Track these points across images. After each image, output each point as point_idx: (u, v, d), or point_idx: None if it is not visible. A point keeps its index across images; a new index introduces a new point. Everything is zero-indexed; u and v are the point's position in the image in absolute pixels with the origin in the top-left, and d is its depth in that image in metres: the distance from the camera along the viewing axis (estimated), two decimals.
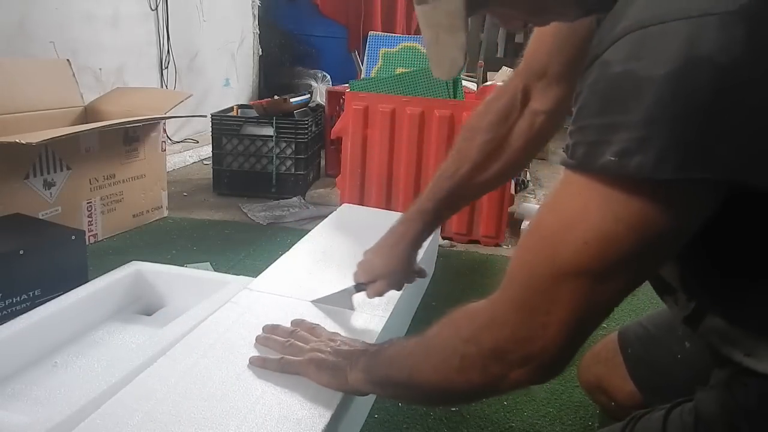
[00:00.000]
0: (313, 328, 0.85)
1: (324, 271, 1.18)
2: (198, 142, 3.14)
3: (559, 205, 0.50)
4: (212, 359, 0.83)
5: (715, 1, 0.41)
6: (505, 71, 3.46)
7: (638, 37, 0.42)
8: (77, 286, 1.16)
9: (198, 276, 1.29)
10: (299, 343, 0.80)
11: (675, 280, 0.63)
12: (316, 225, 1.48)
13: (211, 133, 2.46)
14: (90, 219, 1.79)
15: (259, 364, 0.80)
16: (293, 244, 1.32)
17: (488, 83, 2.31)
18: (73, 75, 1.98)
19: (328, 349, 0.77)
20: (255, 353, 0.84)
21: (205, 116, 2.49)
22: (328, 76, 3.93)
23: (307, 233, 1.41)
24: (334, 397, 0.75)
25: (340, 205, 1.79)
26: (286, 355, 0.79)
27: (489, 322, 0.54)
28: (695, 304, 0.61)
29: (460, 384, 0.57)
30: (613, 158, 0.44)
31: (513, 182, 2.14)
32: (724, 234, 0.53)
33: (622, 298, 0.51)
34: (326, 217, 1.56)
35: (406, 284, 0.96)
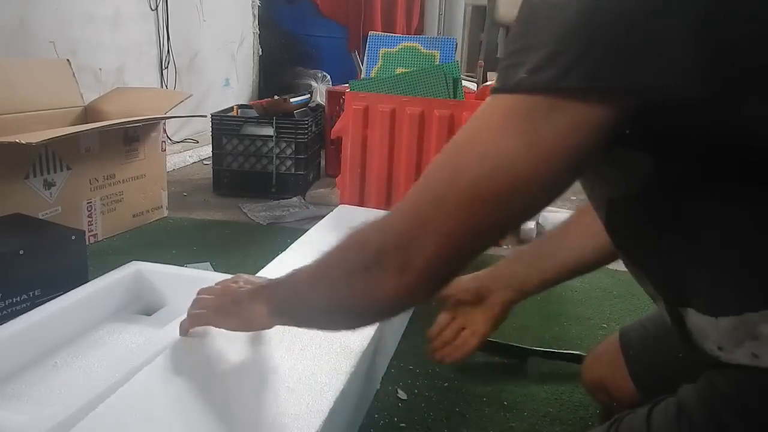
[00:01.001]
0: (227, 280, 0.85)
1: None
2: (198, 142, 3.14)
3: (470, 123, 0.51)
4: (210, 357, 0.83)
5: None
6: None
7: None
8: (77, 286, 1.16)
9: (198, 276, 1.29)
10: (205, 296, 0.83)
11: (648, 278, 0.64)
12: (315, 225, 1.48)
13: (211, 133, 2.46)
14: (90, 219, 1.79)
15: (180, 333, 0.86)
16: (293, 244, 1.33)
17: (488, 83, 2.31)
18: (73, 75, 1.98)
19: (231, 293, 0.79)
20: (252, 351, 0.84)
21: (205, 116, 2.49)
22: (328, 76, 3.93)
23: (305, 233, 1.41)
24: (330, 394, 0.75)
25: (340, 205, 1.79)
26: (195, 310, 0.83)
27: (380, 225, 0.54)
28: (669, 302, 0.62)
29: (346, 294, 0.57)
30: (524, 75, 0.46)
31: None
32: (676, 221, 0.55)
33: (519, 221, 0.52)
34: (324, 217, 1.56)
35: None
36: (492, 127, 0.48)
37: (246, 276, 0.84)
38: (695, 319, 0.59)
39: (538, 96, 0.46)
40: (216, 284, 0.84)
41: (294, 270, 0.66)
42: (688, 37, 0.43)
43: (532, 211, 0.51)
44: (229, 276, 0.86)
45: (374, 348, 0.96)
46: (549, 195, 0.50)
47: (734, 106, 0.46)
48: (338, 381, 0.79)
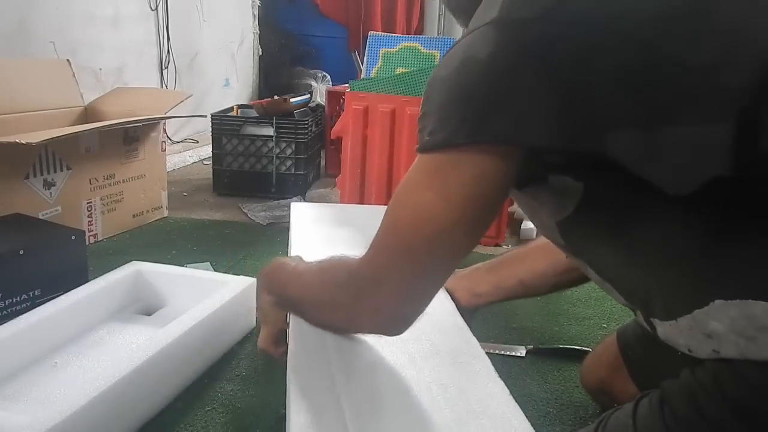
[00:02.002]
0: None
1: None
2: (198, 142, 3.14)
3: (404, 178, 0.61)
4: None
5: (483, 16, 0.56)
6: None
7: (447, 52, 0.59)
8: (77, 286, 1.16)
9: (198, 276, 1.29)
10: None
11: (617, 290, 0.67)
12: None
13: (211, 133, 2.46)
14: (90, 219, 1.79)
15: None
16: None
17: None
18: (73, 75, 1.98)
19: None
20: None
21: (205, 116, 2.49)
22: (328, 76, 3.93)
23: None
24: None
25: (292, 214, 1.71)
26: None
27: (354, 273, 0.64)
28: (641, 311, 0.64)
29: (330, 321, 0.73)
30: (427, 137, 0.57)
31: None
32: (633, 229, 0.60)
33: (454, 261, 0.61)
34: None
35: None
36: (415, 184, 0.59)
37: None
38: (661, 327, 0.61)
39: (440, 154, 0.57)
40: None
41: (285, 263, 0.81)
42: (540, 91, 0.52)
43: (463, 251, 0.60)
44: (245, 278, 0.99)
45: None
46: (472, 236, 0.60)
47: (595, 147, 0.53)
48: None
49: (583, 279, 0.90)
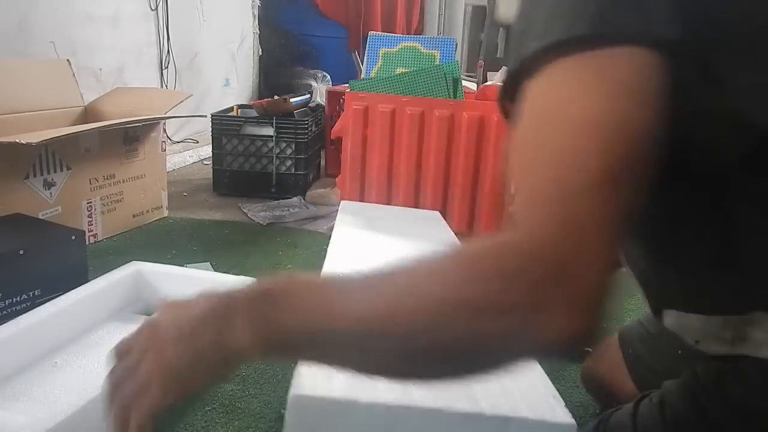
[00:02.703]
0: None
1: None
2: (198, 142, 3.14)
3: (535, 112, 0.45)
4: None
5: None
6: (505, 71, 3.46)
7: None
8: (77, 286, 1.16)
9: (198, 276, 1.29)
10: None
11: (633, 269, 0.65)
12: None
13: (211, 133, 2.46)
14: (90, 219, 1.79)
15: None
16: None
17: (488, 83, 2.31)
18: (73, 75, 1.98)
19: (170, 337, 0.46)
20: None
21: (205, 116, 2.49)
22: (328, 76, 3.93)
23: (322, 235, 1.40)
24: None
25: (340, 205, 1.78)
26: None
27: (517, 250, 0.40)
28: (652, 295, 0.63)
29: (470, 340, 0.40)
30: (585, 28, 0.43)
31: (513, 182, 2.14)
32: (666, 219, 0.54)
33: (647, 181, 0.43)
34: (325, 216, 1.54)
35: None
36: (577, 99, 0.42)
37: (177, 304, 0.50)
38: (674, 319, 0.60)
39: (585, 53, 0.43)
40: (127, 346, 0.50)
41: (323, 286, 0.45)
42: None
43: (651, 170, 0.43)
44: (245, 279, 0.61)
45: None
46: (657, 144, 0.43)
47: (715, 62, 0.45)
48: None
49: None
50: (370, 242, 1.27)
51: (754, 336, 0.53)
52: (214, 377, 0.46)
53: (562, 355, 0.40)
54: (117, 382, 0.47)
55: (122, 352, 0.49)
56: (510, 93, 0.49)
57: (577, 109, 0.42)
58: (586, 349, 1.21)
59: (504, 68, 3.05)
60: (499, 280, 0.39)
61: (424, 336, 0.39)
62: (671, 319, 0.61)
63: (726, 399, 0.54)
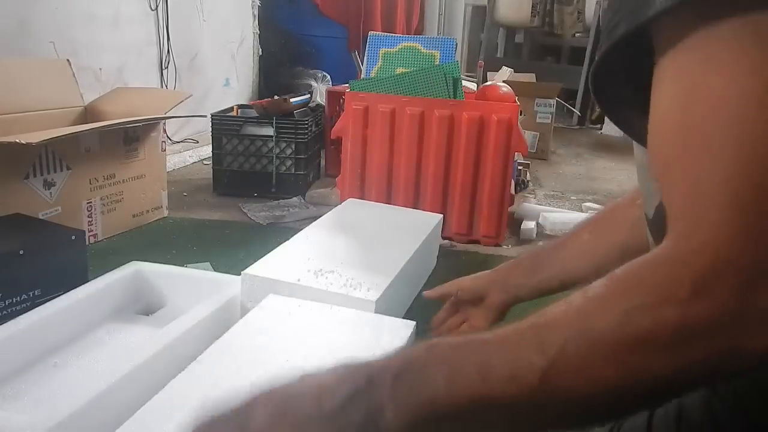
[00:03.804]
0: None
1: (330, 262, 1.20)
2: (198, 142, 3.14)
3: (711, 90, 0.35)
4: (242, 364, 0.83)
5: None
6: (505, 71, 3.45)
7: None
8: (77, 286, 1.16)
9: (198, 276, 1.29)
10: None
11: None
12: (319, 219, 1.49)
13: (211, 133, 2.46)
14: (90, 219, 1.79)
15: None
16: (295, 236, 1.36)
17: (488, 83, 2.31)
18: (73, 75, 1.98)
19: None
20: (285, 359, 0.83)
21: (205, 116, 2.49)
22: (328, 76, 3.93)
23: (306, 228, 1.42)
24: None
25: (340, 205, 1.79)
26: None
27: (695, 266, 0.34)
28: None
29: (666, 370, 0.34)
30: None
31: (513, 182, 2.14)
32: None
33: None
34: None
35: (401, 284, 0.97)
36: (738, 75, 0.34)
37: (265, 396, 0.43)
38: None
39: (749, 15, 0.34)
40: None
41: (468, 343, 0.38)
42: None
43: None
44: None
45: None
46: None
47: None
48: None
49: None
50: (328, 243, 1.31)
51: None
52: None
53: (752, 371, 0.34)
54: None
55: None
56: (608, 71, 0.42)
57: (747, 99, 0.34)
58: None
59: (504, 68, 3.03)
60: (688, 291, 0.33)
61: (604, 399, 0.35)
62: None
63: (749, 419, 0.52)
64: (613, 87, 0.46)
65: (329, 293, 1.06)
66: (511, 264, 0.98)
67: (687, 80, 0.36)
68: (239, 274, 1.14)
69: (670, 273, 0.34)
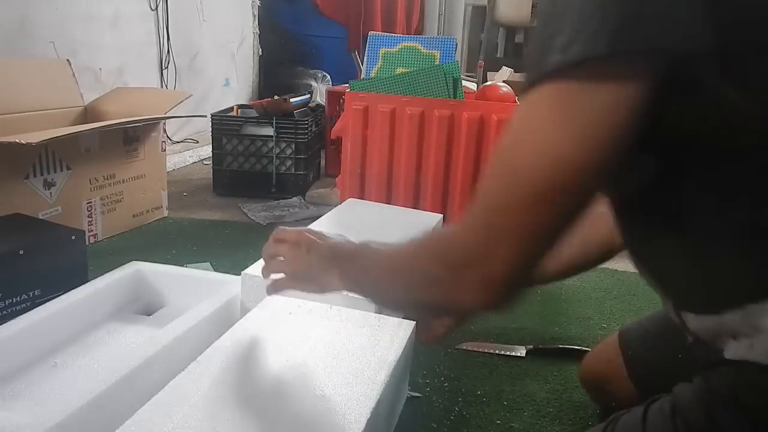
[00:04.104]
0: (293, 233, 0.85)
1: None
2: (198, 142, 3.14)
3: (516, 122, 0.51)
4: (242, 364, 0.83)
5: None
6: (505, 71, 3.45)
7: None
8: (77, 286, 1.16)
9: (198, 276, 1.29)
10: (279, 255, 0.84)
11: (650, 271, 0.64)
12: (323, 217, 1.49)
13: (211, 133, 2.46)
14: (90, 219, 1.79)
15: (268, 292, 0.89)
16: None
17: (488, 83, 2.31)
18: (73, 75, 1.98)
19: (303, 261, 0.81)
20: (285, 359, 0.84)
21: (205, 116, 2.49)
22: (328, 76, 3.93)
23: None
24: (368, 404, 0.75)
25: (340, 205, 1.79)
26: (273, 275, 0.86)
27: (452, 242, 0.56)
28: (670, 296, 0.63)
29: (425, 298, 0.61)
30: (557, 56, 0.47)
31: None
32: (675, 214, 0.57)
33: (582, 210, 0.51)
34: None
35: None
36: (537, 123, 0.49)
37: (312, 234, 0.83)
38: (695, 320, 0.59)
39: (571, 79, 0.47)
40: (282, 239, 0.84)
41: (365, 247, 0.72)
42: None
43: (592, 197, 0.51)
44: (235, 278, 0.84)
45: (406, 355, 0.96)
46: (602, 179, 0.50)
47: (742, 56, 0.48)
48: (374, 391, 0.78)
49: (604, 259, 0.92)
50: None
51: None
52: (316, 293, 0.81)
53: (473, 316, 0.69)
54: (271, 257, 0.85)
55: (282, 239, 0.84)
56: None
57: (539, 134, 0.49)
58: (584, 348, 1.22)
59: (504, 68, 3.03)
60: (432, 261, 0.58)
61: (402, 289, 0.65)
62: (691, 322, 0.60)
63: (742, 410, 0.53)
64: None
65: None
66: None
67: (520, 118, 0.51)
68: (239, 274, 1.14)
69: (446, 248, 0.58)
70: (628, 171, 0.57)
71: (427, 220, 1.58)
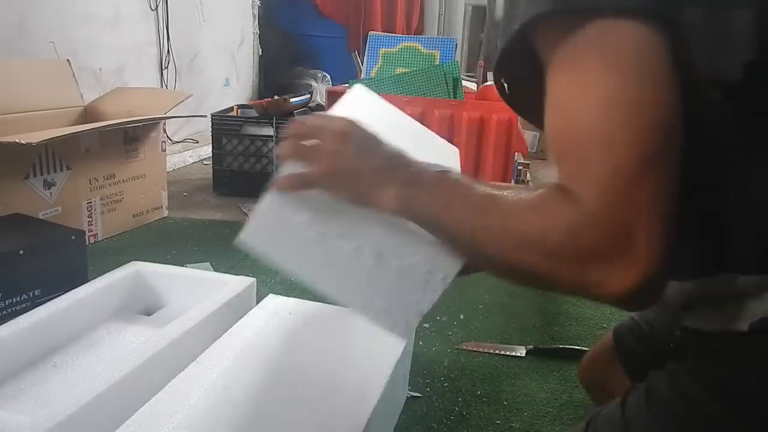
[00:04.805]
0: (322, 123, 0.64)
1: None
2: (198, 142, 3.14)
3: (566, 100, 0.48)
4: (242, 364, 0.83)
5: None
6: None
7: None
8: (77, 286, 1.16)
9: (198, 276, 1.29)
10: (311, 144, 0.62)
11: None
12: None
13: (211, 133, 2.46)
14: (90, 219, 1.79)
15: (278, 188, 0.66)
16: None
17: (488, 83, 2.31)
18: (73, 75, 1.98)
19: (347, 156, 0.60)
20: (285, 359, 0.83)
21: (205, 116, 2.49)
22: (328, 76, 3.93)
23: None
24: (368, 403, 0.75)
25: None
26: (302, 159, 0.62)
27: (588, 223, 0.46)
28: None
29: (542, 272, 0.49)
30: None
31: (513, 182, 2.14)
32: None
33: (678, 160, 0.47)
34: None
35: None
36: (593, 84, 0.46)
37: (363, 130, 0.62)
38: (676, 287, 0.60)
39: (599, 25, 0.46)
40: (322, 125, 0.62)
41: (443, 174, 0.57)
42: None
43: (680, 145, 0.47)
44: (245, 279, 0.79)
45: (406, 355, 0.96)
46: (680, 119, 0.47)
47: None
48: (374, 391, 0.79)
49: None
50: None
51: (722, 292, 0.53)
52: (355, 205, 0.61)
53: (622, 307, 0.49)
54: (298, 144, 0.62)
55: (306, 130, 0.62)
56: (506, 69, 0.55)
57: (598, 90, 0.46)
58: (584, 348, 1.22)
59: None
60: (567, 235, 0.47)
61: (499, 260, 0.51)
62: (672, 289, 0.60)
63: (700, 375, 0.55)
64: (514, 79, 0.60)
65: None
66: None
67: (562, 91, 0.49)
68: (239, 274, 1.14)
69: (572, 223, 0.47)
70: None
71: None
